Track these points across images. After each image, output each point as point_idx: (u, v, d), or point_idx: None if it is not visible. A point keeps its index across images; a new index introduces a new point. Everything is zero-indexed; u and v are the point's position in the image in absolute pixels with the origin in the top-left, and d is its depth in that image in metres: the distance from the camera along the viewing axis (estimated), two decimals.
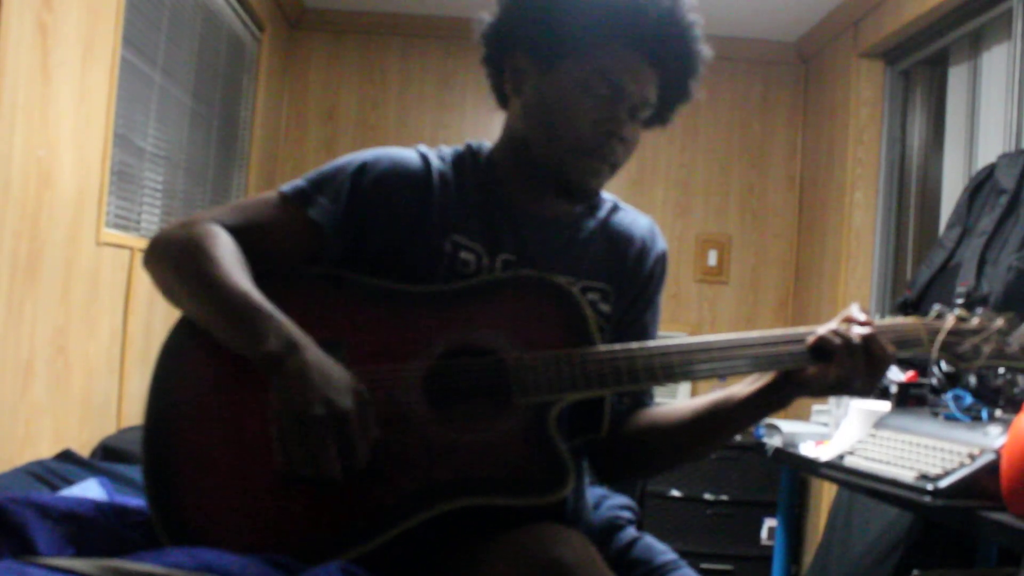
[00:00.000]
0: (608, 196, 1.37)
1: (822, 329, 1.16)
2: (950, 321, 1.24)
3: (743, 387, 1.20)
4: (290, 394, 1.01)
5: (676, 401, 1.29)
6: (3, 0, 1.85)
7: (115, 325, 2.55)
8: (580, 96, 1.20)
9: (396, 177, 1.24)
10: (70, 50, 2.17)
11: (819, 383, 1.16)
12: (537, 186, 1.27)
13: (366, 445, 1.03)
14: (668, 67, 1.24)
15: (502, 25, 1.26)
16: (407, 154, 1.27)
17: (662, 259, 1.36)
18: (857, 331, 1.15)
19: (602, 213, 1.34)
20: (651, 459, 1.29)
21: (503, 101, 1.31)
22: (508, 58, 1.27)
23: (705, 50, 1.26)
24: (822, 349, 1.15)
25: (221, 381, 1.14)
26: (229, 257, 1.13)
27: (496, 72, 1.30)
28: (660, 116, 1.30)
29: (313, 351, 1.05)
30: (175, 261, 1.15)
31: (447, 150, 1.30)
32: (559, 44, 1.21)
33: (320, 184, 1.23)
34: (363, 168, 1.24)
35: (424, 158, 1.27)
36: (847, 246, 3.60)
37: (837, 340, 1.14)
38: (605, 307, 1.28)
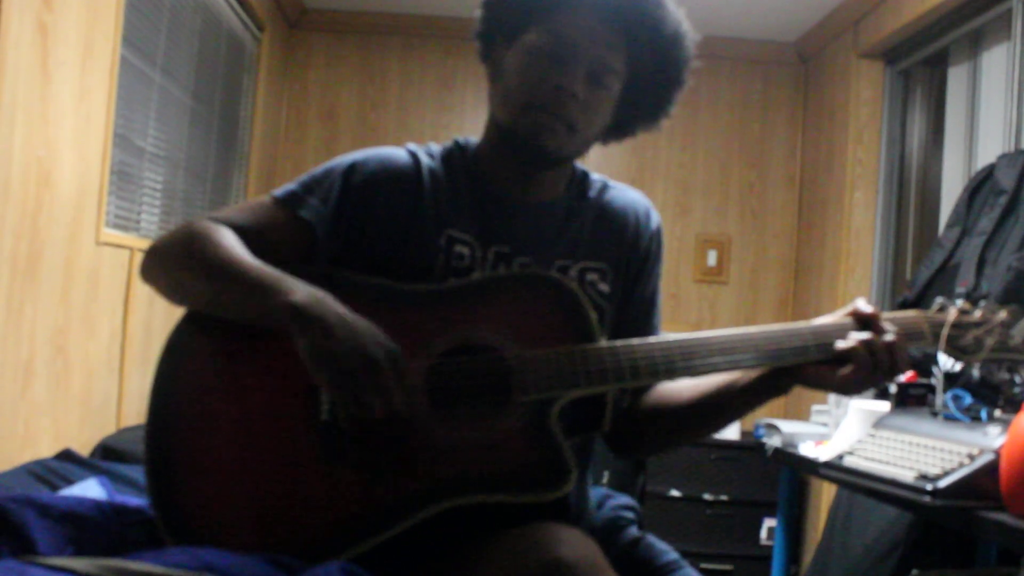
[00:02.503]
0: (597, 176, 1.37)
1: (846, 343, 1.14)
2: (953, 314, 1.24)
3: (745, 373, 1.20)
4: (332, 337, 1.04)
5: (684, 381, 1.28)
6: (3, 0, 1.85)
7: (115, 325, 2.55)
8: (533, 57, 1.22)
9: (386, 175, 1.25)
10: (70, 50, 2.17)
11: (826, 383, 1.16)
12: (520, 171, 1.27)
13: (403, 392, 1.05)
14: (636, 36, 1.23)
15: (484, 19, 1.30)
16: (396, 152, 1.28)
17: (658, 235, 1.36)
18: (884, 340, 1.13)
19: (592, 193, 1.33)
20: (660, 437, 1.30)
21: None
22: (493, 47, 1.30)
23: (679, 22, 1.26)
24: (842, 355, 1.14)
25: (224, 379, 1.14)
26: (233, 241, 1.16)
27: (488, 60, 1.32)
28: (646, 101, 1.30)
29: (335, 304, 1.07)
30: (180, 254, 1.16)
31: (436, 147, 1.32)
32: (522, 17, 1.24)
33: (311, 186, 1.24)
34: (352, 168, 1.25)
35: (413, 155, 1.28)
36: (847, 246, 3.60)
37: (864, 354, 1.13)
38: (604, 287, 1.28)
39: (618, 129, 1.33)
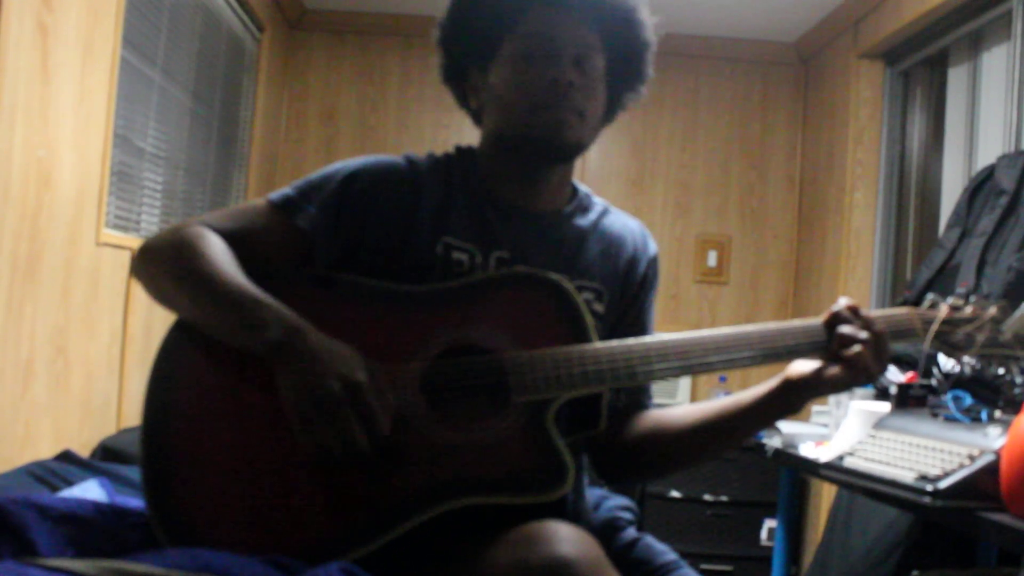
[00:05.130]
0: (599, 200, 1.39)
1: (853, 349, 1.15)
2: (944, 310, 1.24)
3: (752, 392, 1.20)
4: (301, 376, 1.04)
5: (683, 406, 1.28)
6: (3, 0, 1.85)
7: (115, 325, 2.55)
8: (518, 67, 1.24)
9: (384, 184, 1.25)
10: (70, 50, 2.17)
11: (831, 384, 1.16)
12: (524, 181, 1.28)
13: (386, 414, 1.05)
14: (600, 11, 1.26)
15: (448, 58, 1.34)
16: (394, 161, 1.29)
17: (654, 263, 1.37)
18: (873, 329, 1.15)
19: (593, 215, 1.35)
20: (657, 463, 1.29)
21: (478, 119, 1.35)
22: (466, 83, 1.33)
23: None
24: (839, 350, 1.15)
25: (219, 380, 1.14)
26: (221, 255, 1.16)
27: (463, 99, 1.36)
28: (626, 72, 1.32)
29: (315, 333, 1.07)
30: (167, 262, 1.16)
31: (437, 155, 1.33)
32: (489, 40, 1.27)
33: (308, 193, 1.24)
34: (351, 176, 1.25)
35: (411, 163, 1.29)
36: (847, 246, 3.60)
37: (857, 347, 1.13)
38: (599, 307, 1.28)
39: (609, 107, 1.34)
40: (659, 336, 1.20)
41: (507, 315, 1.17)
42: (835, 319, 1.17)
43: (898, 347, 1.23)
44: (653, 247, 1.38)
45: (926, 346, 1.23)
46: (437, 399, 1.13)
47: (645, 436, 1.27)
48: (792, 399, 1.17)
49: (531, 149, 1.25)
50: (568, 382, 1.14)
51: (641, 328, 1.33)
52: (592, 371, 1.14)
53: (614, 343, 1.17)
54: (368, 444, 1.04)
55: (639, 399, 1.32)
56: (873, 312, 1.20)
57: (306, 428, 1.04)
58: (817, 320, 1.20)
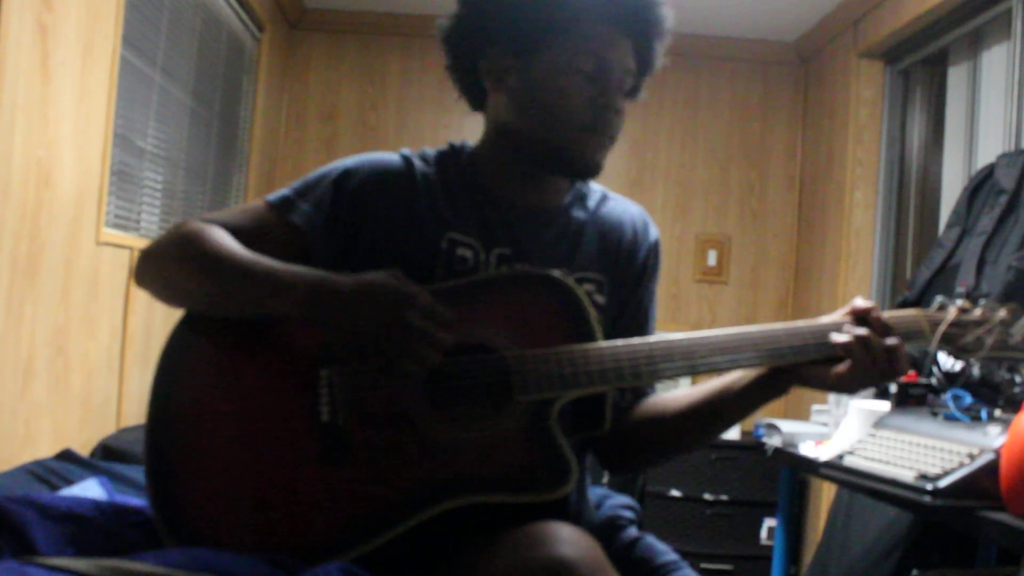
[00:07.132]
0: (597, 187, 1.37)
1: (841, 337, 1.14)
2: (952, 313, 1.23)
3: (743, 376, 1.20)
4: (355, 310, 1.06)
5: (676, 391, 1.28)
6: (3, 0, 1.85)
7: (115, 325, 2.55)
8: (571, 76, 1.22)
9: (379, 180, 1.25)
10: (70, 50, 2.17)
11: (823, 382, 1.16)
12: (524, 178, 1.28)
13: (442, 329, 1.07)
14: (639, 36, 1.27)
15: (470, 27, 1.28)
16: (389, 157, 1.29)
17: (655, 248, 1.36)
18: (884, 343, 1.14)
19: (591, 204, 1.34)
20: (653, 448, 1.30)
21: (477, 103, 1.33)
22: (482, 58, 1.27)
23: (669, 15, 1.29)
24: (842, 352, 1.14)
25: (224, 380, 1.14)
26: (228, 239, 1.16)
27: (467, 75, 1.31)
28: (634, 88, 1.32)
29: (339, 278, 1.09)
30: (177, 255, 1.16)
31: (430, 151, 1.32)
32: (537, 32, 1.23)
33: (303, 191, 1.24)
34: (345, 174, 1.25)
35: (406, 160, 1.28)
36: (847, 246, 3.60)
37: (859, 349, 1.13)
38: (600, 298, 1.28)
39: None
40: (663, 336, 1.20)
41: (511, 314, 1.17)
42: (855, 318, 1.17)
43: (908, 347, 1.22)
44: (654, 233, 1.37)
45: (933, 348, 1.22)
46: (440, 398, 1.13)
47: (645, 423, 1.28)
48: (780, 386, 1.19)
49: (554, 161, 1.25)
50: (571, 381, 1.14)
51: (643, 318, 1.33)
52: (596, 371, 1.14)
53: (619, 343, 1.16)
54: (447, 340, 1.06)
55: (642, 389, 1.32)
56: (883, 313, 1.20)
57: (377, 353, 1.05)
58: (823, 320, 1.19)
